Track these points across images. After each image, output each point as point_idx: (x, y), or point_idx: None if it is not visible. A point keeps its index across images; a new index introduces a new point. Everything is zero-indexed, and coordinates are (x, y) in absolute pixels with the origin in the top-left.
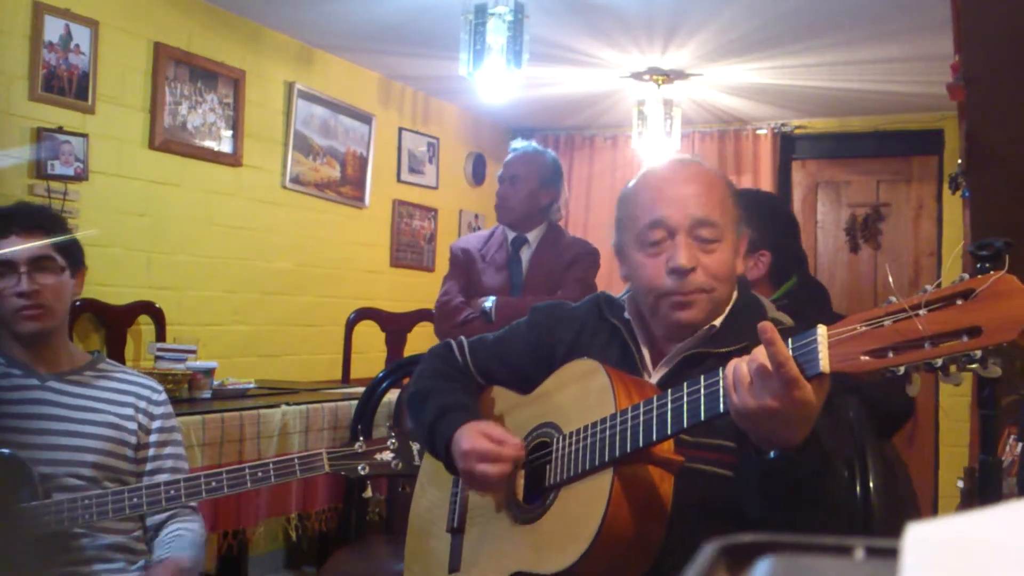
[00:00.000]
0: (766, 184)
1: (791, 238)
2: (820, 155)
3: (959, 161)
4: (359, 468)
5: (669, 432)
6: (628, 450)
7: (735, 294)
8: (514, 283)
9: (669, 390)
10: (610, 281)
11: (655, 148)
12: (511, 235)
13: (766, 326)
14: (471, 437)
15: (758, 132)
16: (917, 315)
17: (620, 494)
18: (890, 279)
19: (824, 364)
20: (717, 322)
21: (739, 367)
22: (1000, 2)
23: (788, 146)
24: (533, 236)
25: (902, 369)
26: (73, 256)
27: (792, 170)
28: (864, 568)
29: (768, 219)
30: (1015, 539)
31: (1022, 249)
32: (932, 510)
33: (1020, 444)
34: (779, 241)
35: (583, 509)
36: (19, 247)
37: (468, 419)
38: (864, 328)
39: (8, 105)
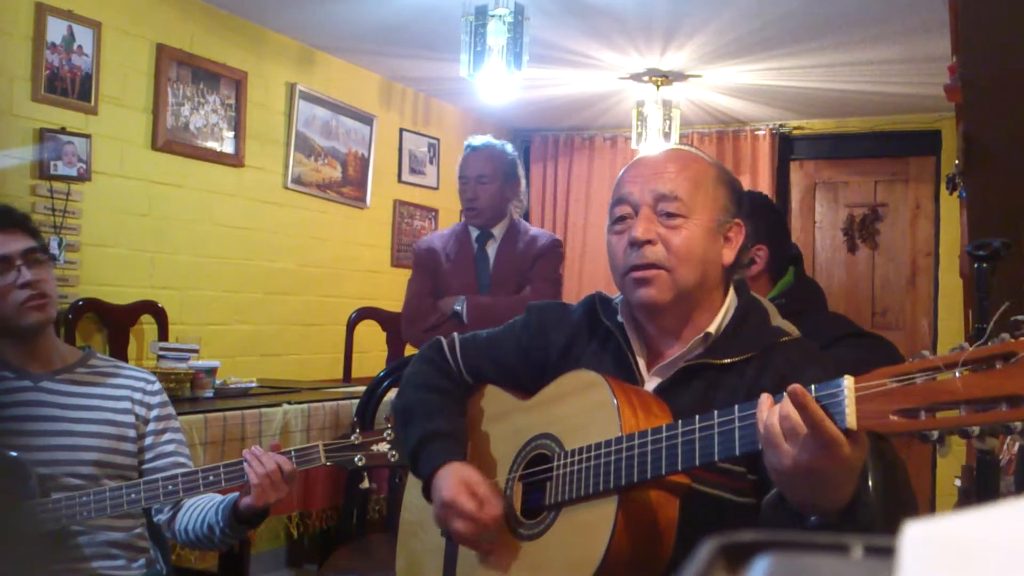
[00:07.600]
0: (764, 184)
1: (784, 234)
2: (818, 156)
3: (956, 162)
4: (356, 459)
5: (680, 468)
6: (635, 480)
7: (732, 297)
8: (481, 281)
9: (680, 422)
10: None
11: (654, 149)
12: (475, 232)
13: (797, 389)
14: (453, 487)
15: (756, 133)
16: (954, 375)
17: (625, 521)
18: (928, 353)
19: (851, 420)
20: (712, 328)
21: (771, 424)
22: (998, 4)
23: (786, 147)
24: (498, 231)
25: (936, 434)
26: (49, 251)
27: (790, 171)
28: (862, 566)
29: (759, 212)
30: (1013, 538)
31: (1019, 249)
32: (930, 509)
33: (1017, 443)
34: (773, 236)
35: (586, 535)
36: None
37: (449, 457)
38: (894, 384)
39: (11, 106)
